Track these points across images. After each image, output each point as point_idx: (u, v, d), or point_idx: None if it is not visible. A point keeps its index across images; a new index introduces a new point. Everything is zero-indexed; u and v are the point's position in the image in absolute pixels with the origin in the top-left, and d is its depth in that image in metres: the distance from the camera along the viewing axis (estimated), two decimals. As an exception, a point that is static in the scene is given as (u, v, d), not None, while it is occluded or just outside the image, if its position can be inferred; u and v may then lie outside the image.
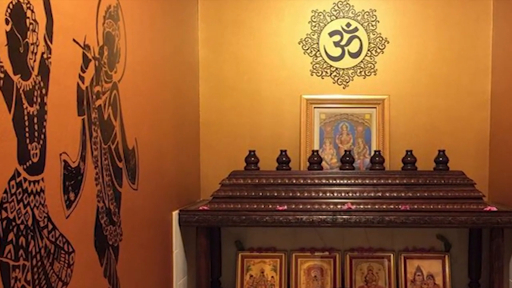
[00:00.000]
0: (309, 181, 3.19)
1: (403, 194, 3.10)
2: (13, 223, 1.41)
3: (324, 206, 3.04)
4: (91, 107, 1.90)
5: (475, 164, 3.49)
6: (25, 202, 1.47)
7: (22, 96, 1.45)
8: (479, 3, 3.49)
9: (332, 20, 3.54)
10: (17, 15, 1.42)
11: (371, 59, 3.53)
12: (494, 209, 2.99)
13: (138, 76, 2.43)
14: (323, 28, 3.54)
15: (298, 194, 3.13)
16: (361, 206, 3.03)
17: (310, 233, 3.51)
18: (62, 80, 1.68)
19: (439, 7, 3.51)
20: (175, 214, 3.03)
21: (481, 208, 3.01)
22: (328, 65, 3.54)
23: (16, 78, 1.42)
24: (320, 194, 3.13)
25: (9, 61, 1.39)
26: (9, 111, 1.40)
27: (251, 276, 3.45)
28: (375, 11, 3.53)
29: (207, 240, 3.13)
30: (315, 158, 3.32)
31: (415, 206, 3.02)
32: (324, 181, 3.19)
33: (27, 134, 1.47)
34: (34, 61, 1.51)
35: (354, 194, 3.12)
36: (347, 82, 3.54)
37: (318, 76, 3.55)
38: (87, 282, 1.88)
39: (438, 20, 3.51)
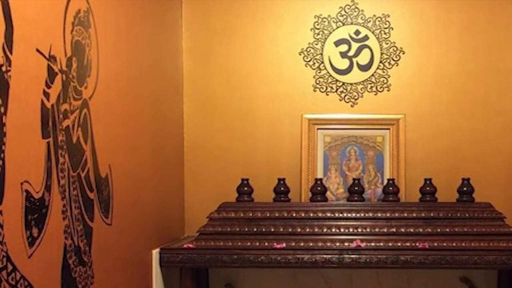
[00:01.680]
0: (311, 215, 3.20)
1: (421, 230, 3.11)
2: (-34, 263, 1.42)
3: (329, 244, 3.05)
4: (58, 129, 1.91)
5: (505, 195, 3.50)
6: (-20, 239, 1.47)
7: (-22, 115, 1.46)
8: (509, 7, 3.52)
9: (338, 27, 3.57)
10: (-28, 22, 1.44)
11: (383, 72, 3.56)
12: (528, 247, 3.01)
13: (112, 92, 2.45)
14: (328, 36, 3.57)
15: (299, 230, 3.14)
16: (372, 244, 3.04)
17: (312, 275, 3.51)
18: (23, 97, 1.69)
19: (463, 12, 3.53)
20: (155, 253, 3.03)
21: (512, 246, 3.03)
22: (334, 80, 3.56)
23: (-29, 95, 1.43)
24: (325, 230, 3.13)
25: (-37, 75, 1.41)
26: (-37, 133, 1.41)
27: (244, 326, 3.46)
28: (389, 16, 3.56)
29: (193, 283, 3.13)
30: (319, 188, 3.33)
31: (435, 244, 3.03)
32: (329, 214, 3.20)
33: (-17, 160, 1.48)
34: (-8, 75, 1.52)
35: (364, 230, 3.13)
36: (356, 99, 3.56)
37: (322, 92, 3.57)
38: (51, 332, 1.89)
39: (462, 27, 3.54)
